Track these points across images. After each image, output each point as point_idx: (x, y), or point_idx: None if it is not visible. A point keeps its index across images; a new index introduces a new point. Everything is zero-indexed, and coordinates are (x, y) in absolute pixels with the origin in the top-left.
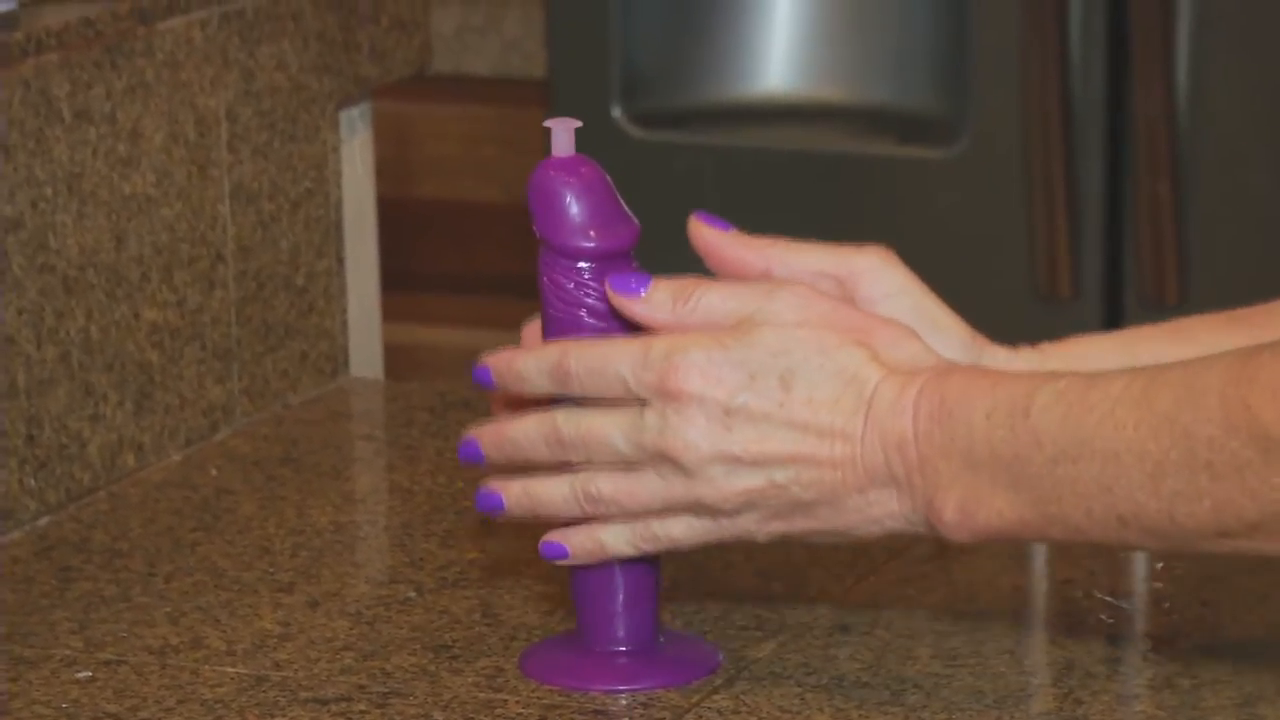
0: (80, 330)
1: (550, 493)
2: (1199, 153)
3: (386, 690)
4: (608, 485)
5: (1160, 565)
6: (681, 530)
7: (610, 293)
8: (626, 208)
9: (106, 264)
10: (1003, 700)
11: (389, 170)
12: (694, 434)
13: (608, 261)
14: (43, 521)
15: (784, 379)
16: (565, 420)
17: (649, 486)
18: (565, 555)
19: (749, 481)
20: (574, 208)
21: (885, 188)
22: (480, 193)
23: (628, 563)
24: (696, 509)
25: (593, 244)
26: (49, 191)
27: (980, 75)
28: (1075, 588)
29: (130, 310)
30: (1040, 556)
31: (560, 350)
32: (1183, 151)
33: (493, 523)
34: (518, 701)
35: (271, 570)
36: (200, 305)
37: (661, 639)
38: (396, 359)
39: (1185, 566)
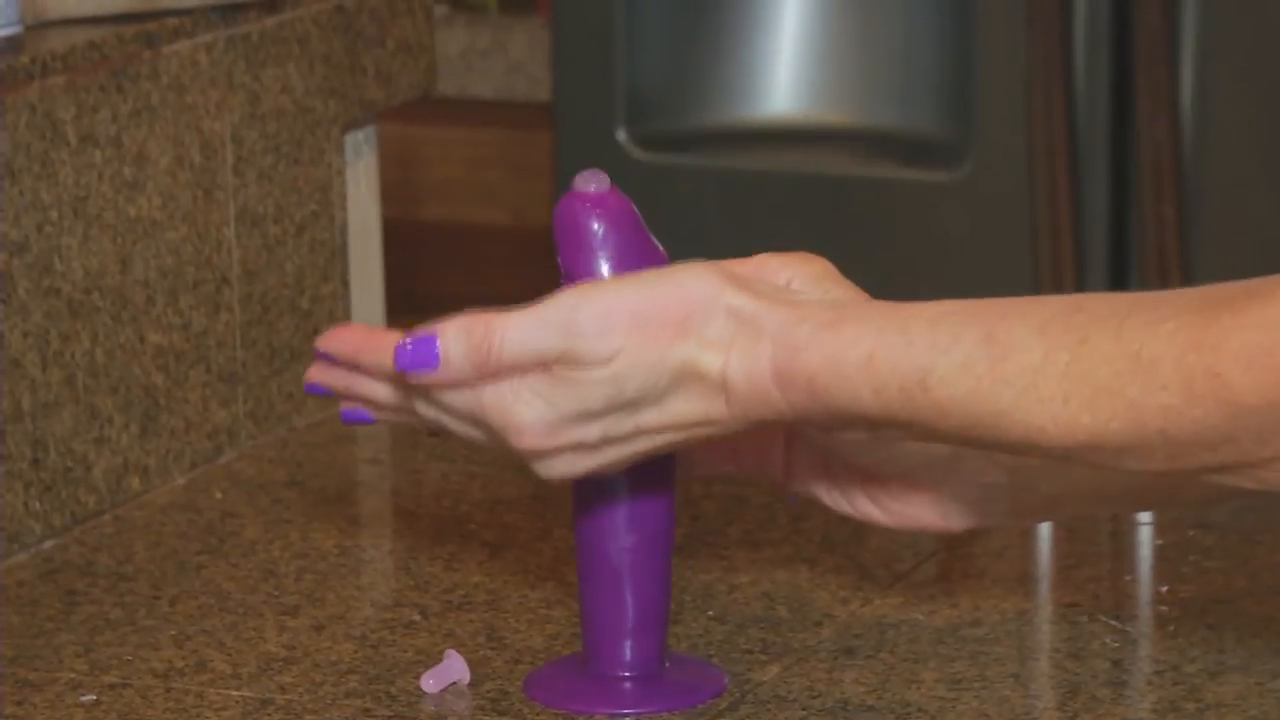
0: (85, 353)
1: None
2: (1204, 176)
3: (391, 714)
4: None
5: (1165, 589)
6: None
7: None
8: (654, 240)
9: (112, 287)
10: None
11: (394, 193)
12: (561, 466)
13: None
14: (48, 544)
15: (629, 407)
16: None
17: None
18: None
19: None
20: (600, 243)
21: (889, 211)
22: (485, 215)
23: (639, 588)
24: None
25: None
26: (54, 215)
27: (985, 98)
28: (1080, 611)
29: (135, 333)
30: (1045, 581)
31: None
32: (1187, 175)
33: (498, 547)
34: None
35: (276, 593)
36: (205, 328)
37: (667, 662)
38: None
39: (1191, 590)
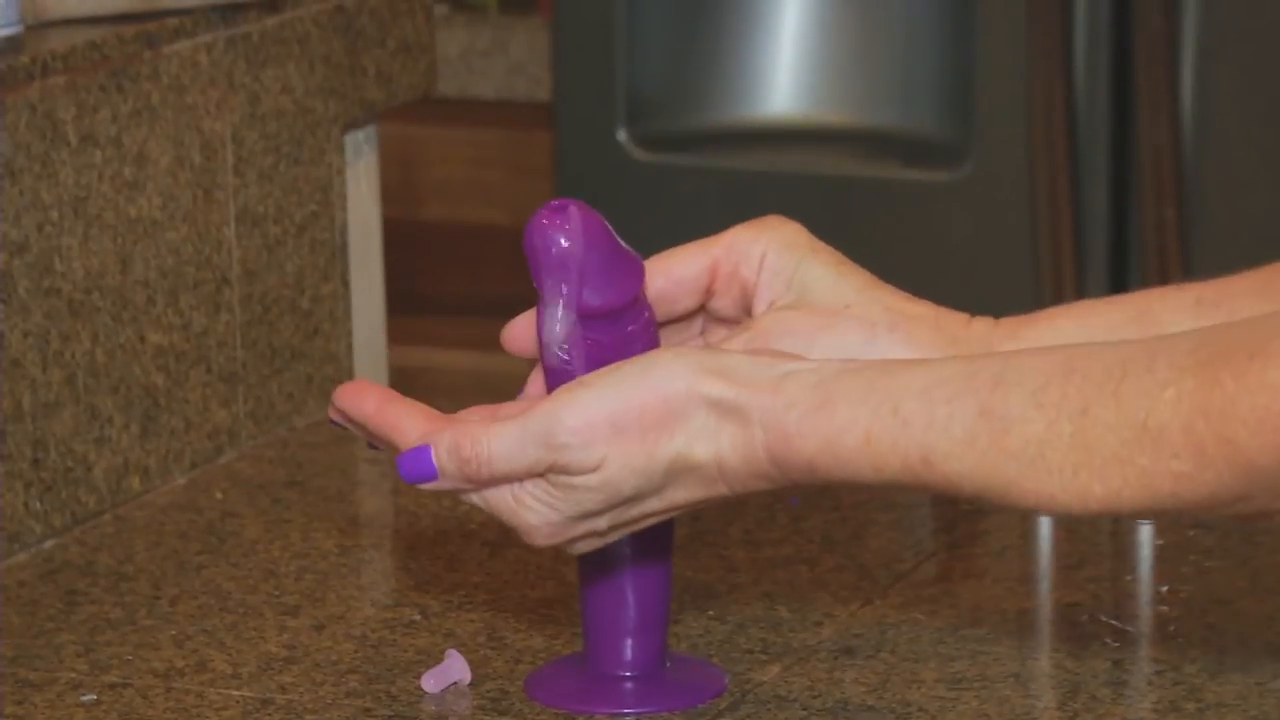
0: (86, 353)
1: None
2: (1204, 178)
3: (391, 714)
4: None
5: (1166, 589)
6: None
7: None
8: (629, 252)
9: (112, 287)
10: None
11: (394, 193)
12: (579, 548)
13: (608, 315)
14: (48, 544)
15: (629, 503)
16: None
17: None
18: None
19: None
20: (571, 263)
21: (890, 211)
22: (486, 215)
23: (639, 588)
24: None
25: (594, 300)
26: (55, 215)
27: (986, 99)
28: (1080, 611)
29: (136, 333)
30: (1046, 580)
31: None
32: (1188, 177)
33: (498, 546)
34: None
35: (277, 593)
36: (206, 328)
37: (667, 662)
38: (402, 382)
39: (1191, 590)
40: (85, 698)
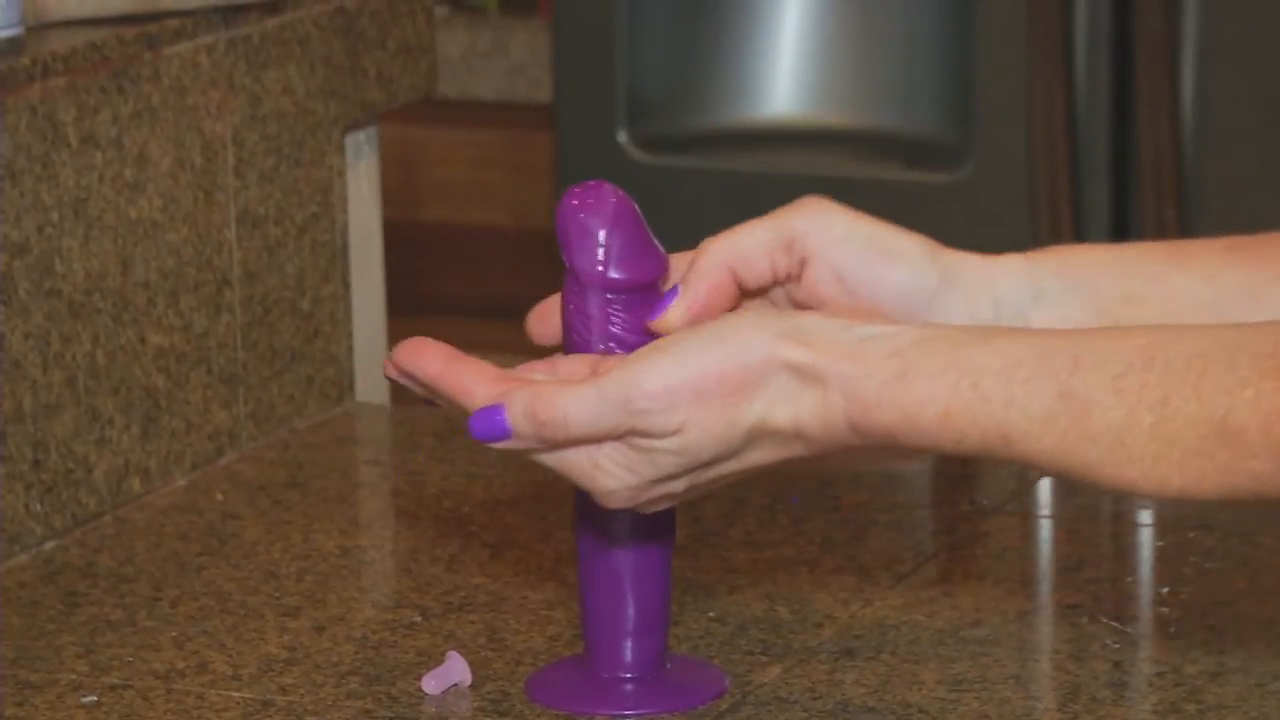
0: (86, 355)
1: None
2: (1204, 178)
3: (392, 715)
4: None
5: (1166, 590)
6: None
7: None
8: (654, 238)
9: (113, 288)
10: None
11: (395, 194)
12: (655, 508)
13: (635, 292)
14: (49, 546)
15: (707, 466)
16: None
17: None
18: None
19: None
20: (602, 238)
21: (890, 212)
22: (486, 216)
23: (640, 590)
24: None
25: (620, 275)
26: (55, 216)
27: (986, 100)
28: (1081, 613)
29: (136, 335)
30: (1046, 582)
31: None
32: (1188, 177)
33: (499, 548)
34: None
35: (277, 594)
36: (206, 330)
37: (668, 664)
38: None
39: (1192, 591)
40: (86, 699)
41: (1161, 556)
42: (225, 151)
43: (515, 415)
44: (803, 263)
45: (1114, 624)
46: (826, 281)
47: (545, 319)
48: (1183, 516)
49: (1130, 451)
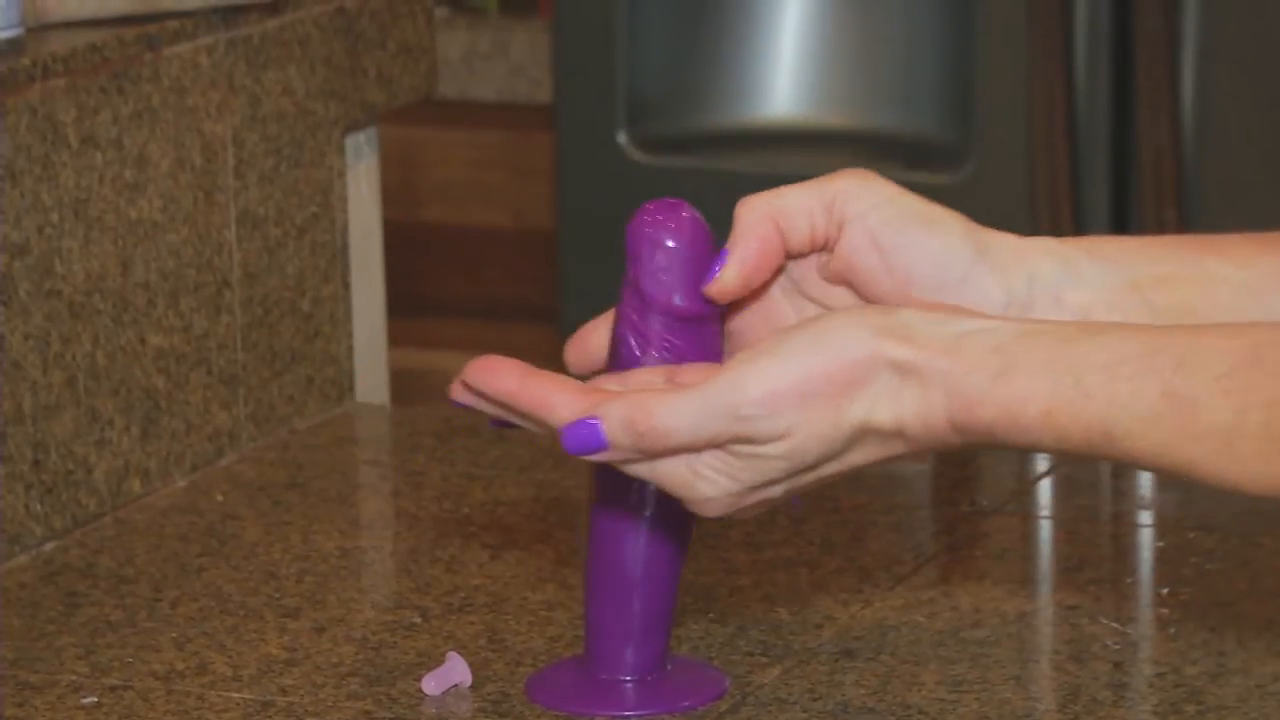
0: (86, 355)
1: None
2: (1204, 179)
3: (392, 716)
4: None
5: (1166, 591)
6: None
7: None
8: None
9: (113, 289)
10: None
11: (395, 195)
12: (748, 514)
13: (695, 321)
14: (49, 547)
15: (811, 467)
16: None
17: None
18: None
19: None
20: (674, 264)
21: None
22: (487, 217)
23: (648, 597)
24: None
25: (685, 304)
26: (55, 217)
27: (986, 101)
28: (1081, 614)
29: (136, 336)
30: (1046, 583)
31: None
32: (1188, 178)
33: (499, 549)
34: None
35: (277, 595)
36: (206, 331)
37: (668, 665)
38: (402, 384)
39: (1191, 592)
40: (86, 700)
41: (1161, 557)
42: (225, 152)
43: (612, 427)
44: (840, 226)
45: (1114, 625)
46: (862, 250)
47: (584, 349)
48: (1182, 518)
49: (1237, 452)
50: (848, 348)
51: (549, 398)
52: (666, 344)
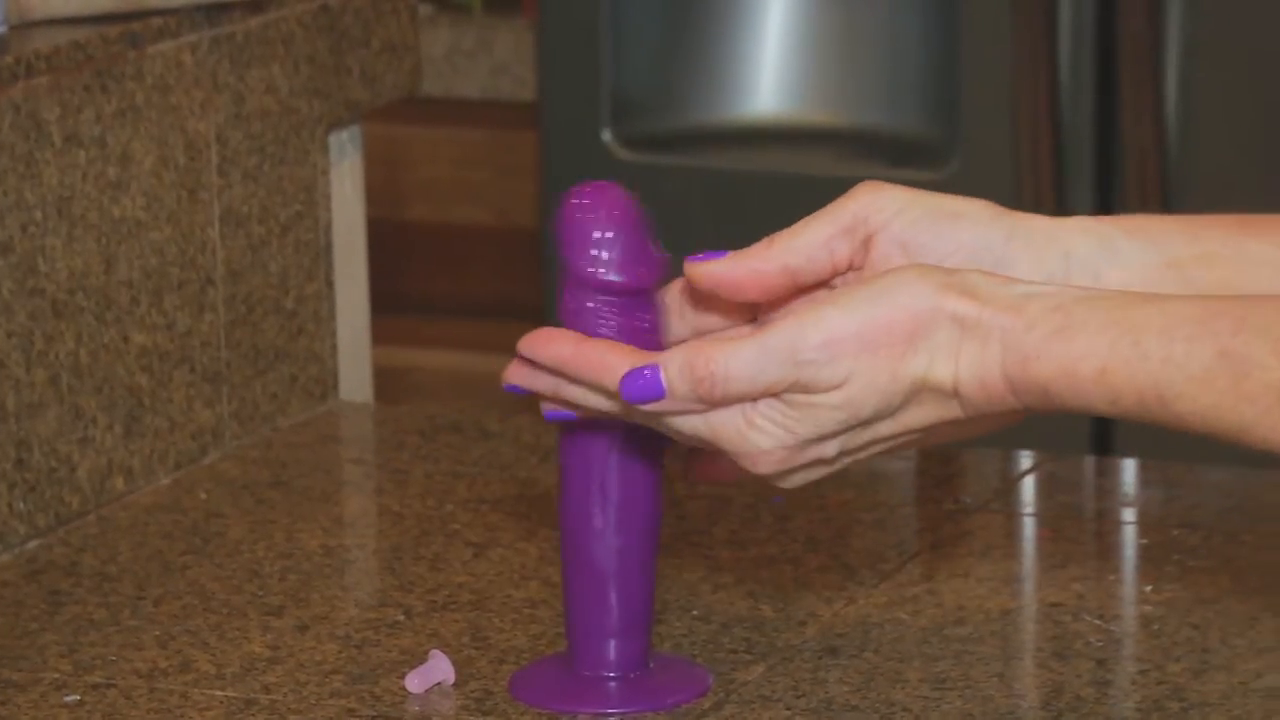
0: (70, 354)
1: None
2: (1188, 180)
3: (375, 714)
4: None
5: (1150, 589)
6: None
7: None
8: (652, 241)
9: (96, 287)
10: None
11: (379, 193)
12: (798, 479)
13: (629, 296)
14: (32, 545)
15: (865, 424)
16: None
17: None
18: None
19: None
20: (599, 241)
21: None
22: (470, 215)
23: (624, 590)
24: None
25: (617, 279)
26: (38, 215)
27: (971, 98)
28: (1064, 611)
29: (120, 334)
30: (1030, 580)
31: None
32: (1172, 176)
33: (482, 547)
34: None
35: (261, 593)
36: (190, 329)
37: (651, 662)
38: (386, 382)
39: (1175, 589)
40: (69, 698)
41: (1145, 555)
42: (209, 150)
43: (671, 373)
44: (867, 244)
45: (1098, 622)
46: (894, 258)
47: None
48: (1166, 515)
49: None
50: (911, 300)
51: (604, 358)
52: (602, 321)
